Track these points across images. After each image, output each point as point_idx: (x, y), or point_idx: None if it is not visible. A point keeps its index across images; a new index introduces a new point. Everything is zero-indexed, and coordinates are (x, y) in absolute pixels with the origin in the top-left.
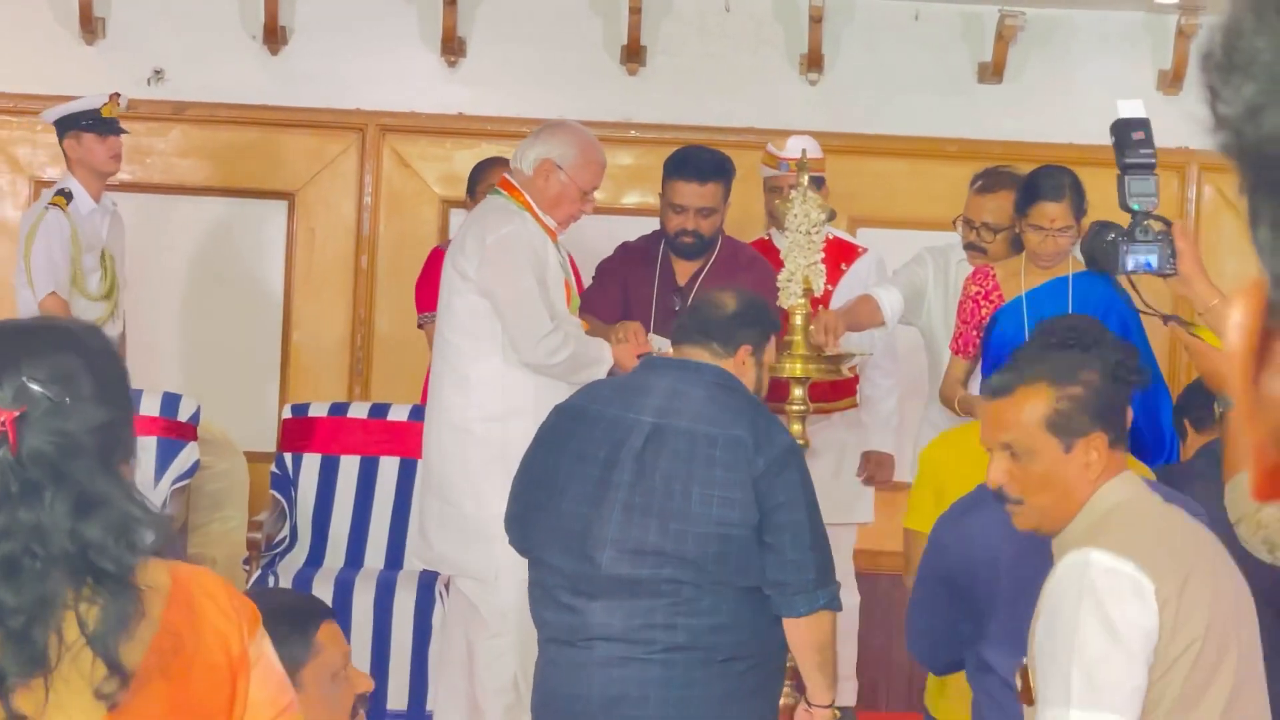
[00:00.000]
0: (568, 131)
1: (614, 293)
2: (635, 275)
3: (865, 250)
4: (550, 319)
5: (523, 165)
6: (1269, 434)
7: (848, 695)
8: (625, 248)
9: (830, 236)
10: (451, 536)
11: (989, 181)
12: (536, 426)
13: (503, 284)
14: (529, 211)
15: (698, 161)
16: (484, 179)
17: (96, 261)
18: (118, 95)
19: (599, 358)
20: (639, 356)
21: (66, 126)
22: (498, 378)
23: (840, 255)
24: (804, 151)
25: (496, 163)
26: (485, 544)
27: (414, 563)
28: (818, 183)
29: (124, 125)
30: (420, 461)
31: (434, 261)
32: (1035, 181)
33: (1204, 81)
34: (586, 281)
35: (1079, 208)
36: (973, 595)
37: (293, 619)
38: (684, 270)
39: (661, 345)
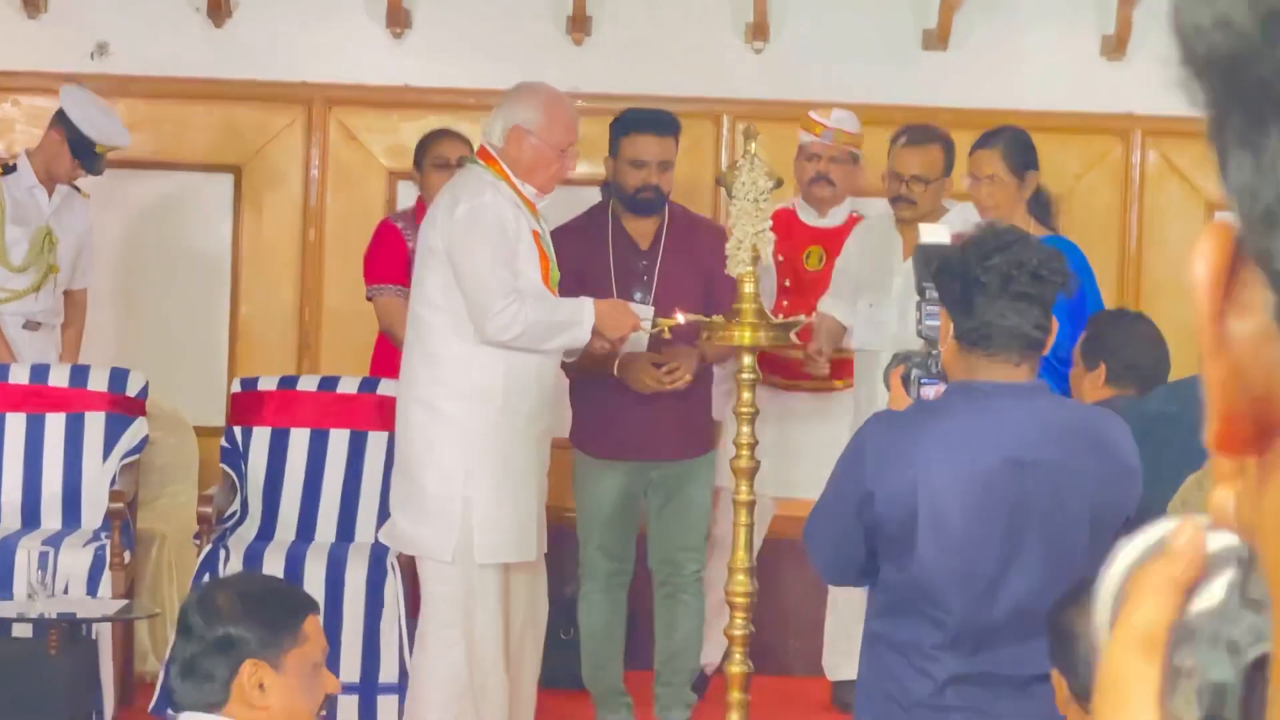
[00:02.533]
0: (530, 93)
1: (565, 275)
2: (584, 250)
3: (862, 218)
4: (508, 294)
5: (493, 138)
6: (1230, 374)
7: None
8: (566, 228)
9: (853, 216)
10: (411, 513)
11: (916, 135)
12: (505, 407)
13: (462, 256)
14: (505, 181)
15: (654, 116)
16: (429, 151)
17: (26, 235)
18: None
19: (574, 319)
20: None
21: (66, 125)
22: (467, 356)
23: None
24: (750, 126)
25: (442, 134)
26: (444, 523)
27: (365, 535)
28: (854, 158)
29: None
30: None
31: (382, 234)
32: (979, 138)
33: (1176, 3)
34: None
35: (1016, 161)
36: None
37: (284, 603)
38: (642, 232)
39: (645, 313)
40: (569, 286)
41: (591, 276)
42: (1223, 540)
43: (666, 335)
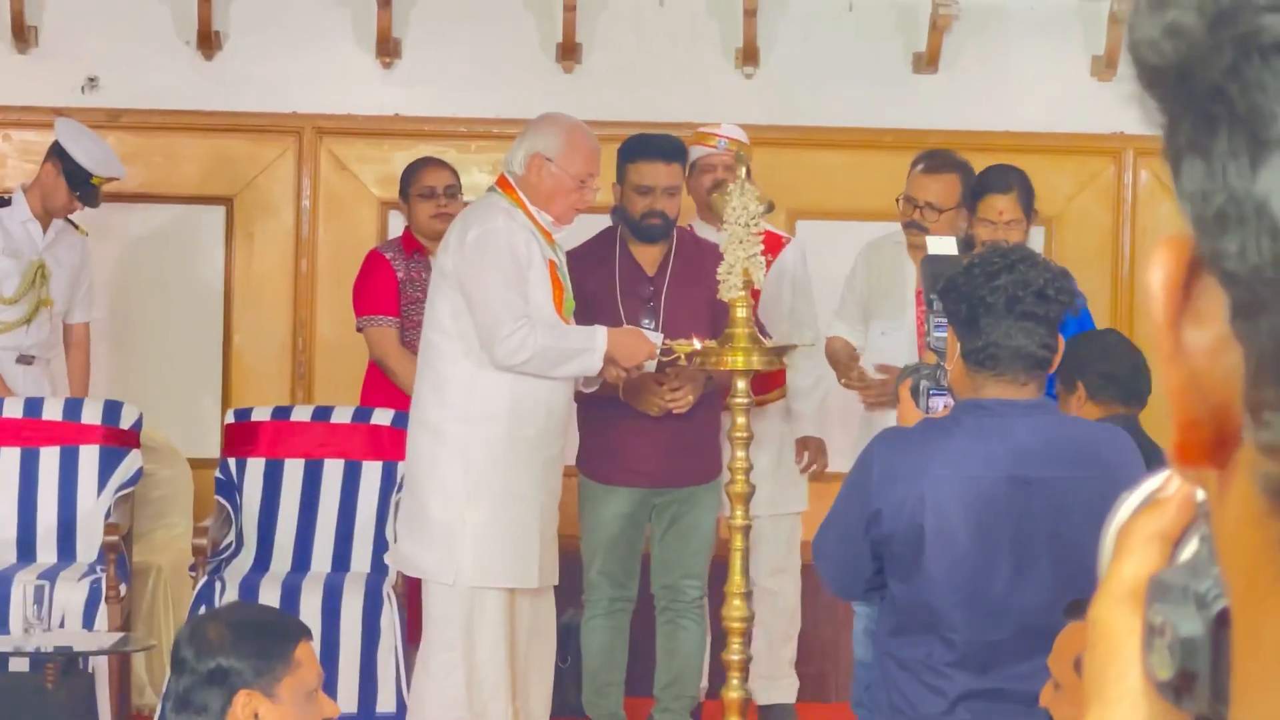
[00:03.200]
0: (552, 122)
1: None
2: (591, 276)
3: (790, 239)
4: (518, 319)
5: (514, 166)
6: (1187, 383)
7: (787, 692)
8: (572, 254)
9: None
10: (415, 536)
11: (934, 162)
12: (509, 432)
13: (472, 280)
14: (522, 209)
15: (660, 142)
16: (414, 180)
17: (17, 268)
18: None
19: (586, 346)
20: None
21: (62, 157)
22: (472, 380)
23: (767, 246)
24: (740, 151)
25: (426, 163)
26: (447, 546)
27: (361, 565)
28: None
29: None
30: None
31: (370, 265)
32: (984, 177)
33: (1130, 22)
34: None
35: (1027, 203)
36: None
37: (276, 632)
38: (649, 259)
39: (654, 339)
40: (577, 311)
41: (598, 302)
42: None
43: (683, 362)
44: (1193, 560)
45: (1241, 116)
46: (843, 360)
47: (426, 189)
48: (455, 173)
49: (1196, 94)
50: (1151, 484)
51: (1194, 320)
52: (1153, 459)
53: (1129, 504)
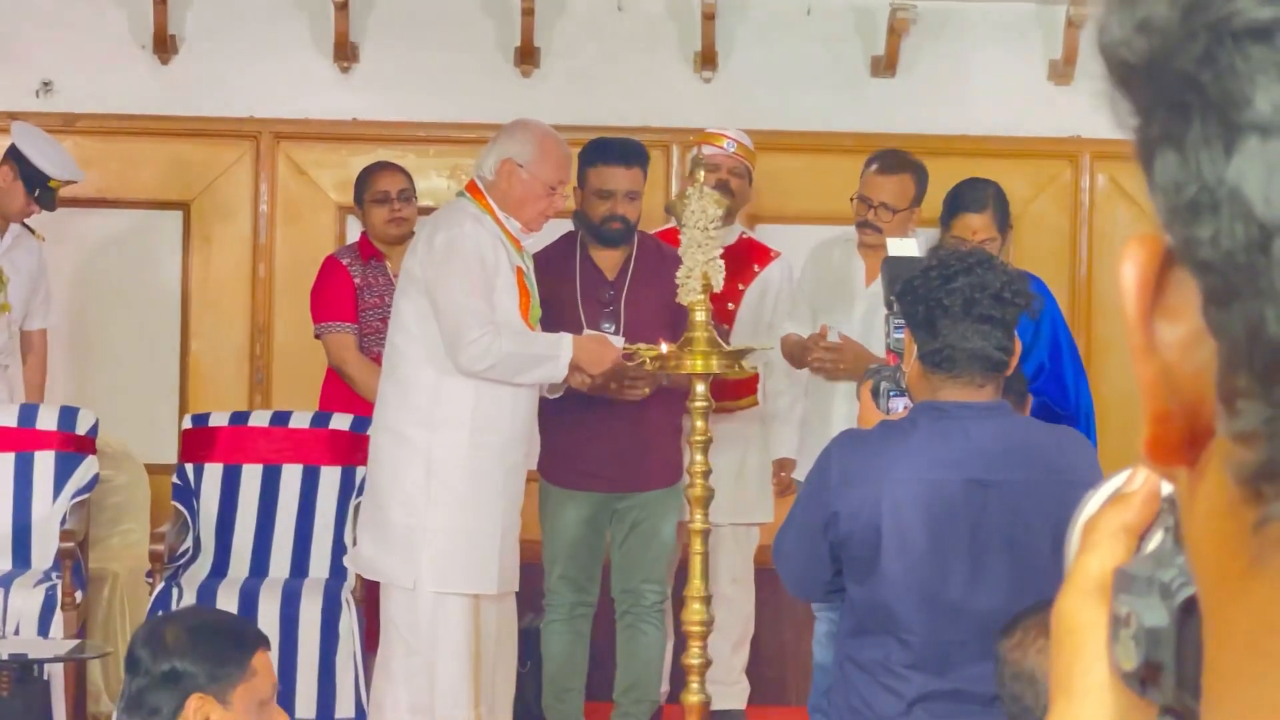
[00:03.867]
0: (524, 129)
1: None
2: (552, 280)
3: (778, 254)
4: (484, 325)
5: (485, 171)
6: (1159, 377)
7: (738, 698)
8: (534, 258)
9: (743, 236)
10: (376, 539)
11: (889, 162)
12: (472, 439)
13: (439, 285)
14: (490, 215)
15: (620, 146)
16: (368, 185)
17: None
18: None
19: (551, 353)
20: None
21: (18, 161)
22: (436, 385)
23: (753, 257)
24: (699, 153)
25: (380, 168)
26: (407, 551)
27: (319, 570)
28: (749, 174)
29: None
30: None
31: (327, 271)
32: (959, 193)
33: (1100, 24)
34: None
35: (1002, 219)
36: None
37: (233, 638)
38: (610, 263)
39: (617, 342)
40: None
41: (558, 306)
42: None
43: (648, 366)
44: (1157, 551)
45: (1214, 103)
46: (801, 344)
47: (381, 194)
48: (409, 177)
49: (1169, 86)
50: (1117, 480)
51: (1166, 315)
52: None
53: (1095, 499)
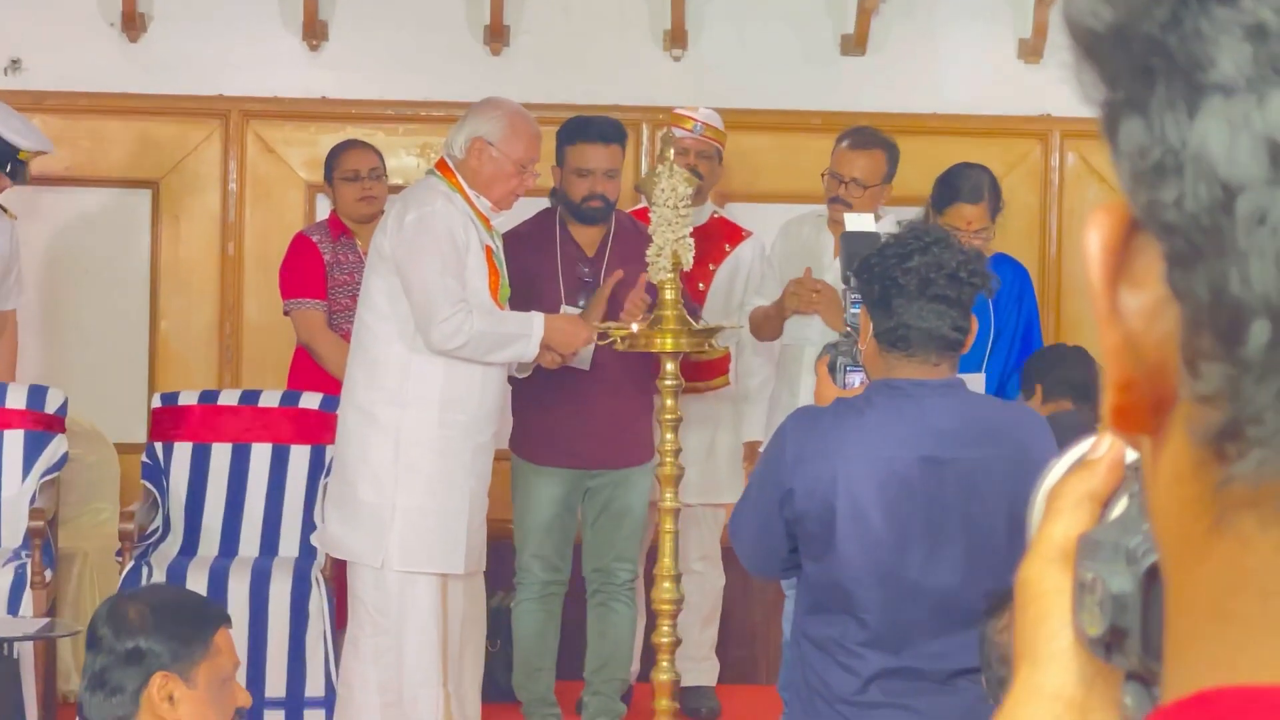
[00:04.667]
0: (494, 107)
1: (512, 281)
2: (531, 257)
3: (750, 234)
4: (455, 303)
5: (454, 150)
6: (1123, 344)
7: (708, 675)
8: (514, 234)
9: (715, 216)
10: (344, 518)
11: (860, 139)
12: (441, 417)
13: (410, 263)
14: (460, 193)
15: (599, 125)
16: (338, 163)
17: None
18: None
19: (523, 332)
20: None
21: None
22: (405, 364)
23: (725, 236)
24: (669, 132)
25: (350, 145)
26: (375, 530)
27: (289, 549)
28: (719, 155)
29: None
30: None
31: (297, 248)
32: (953, 183)
33: None
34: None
35: (995, 208)
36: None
37: (194, 617)
38: (589, 240)
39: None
40: (517, 292)
41: (537, 283)
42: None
43: (619, 346)
44: (1122, 518)
45: (1179, 66)
46: (769, 312)
47: (350, 172)
48: (380, 155)
49: (1134, 51)
50: (1080, 447)
51: (1130, 283)
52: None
53: (1058, 467)
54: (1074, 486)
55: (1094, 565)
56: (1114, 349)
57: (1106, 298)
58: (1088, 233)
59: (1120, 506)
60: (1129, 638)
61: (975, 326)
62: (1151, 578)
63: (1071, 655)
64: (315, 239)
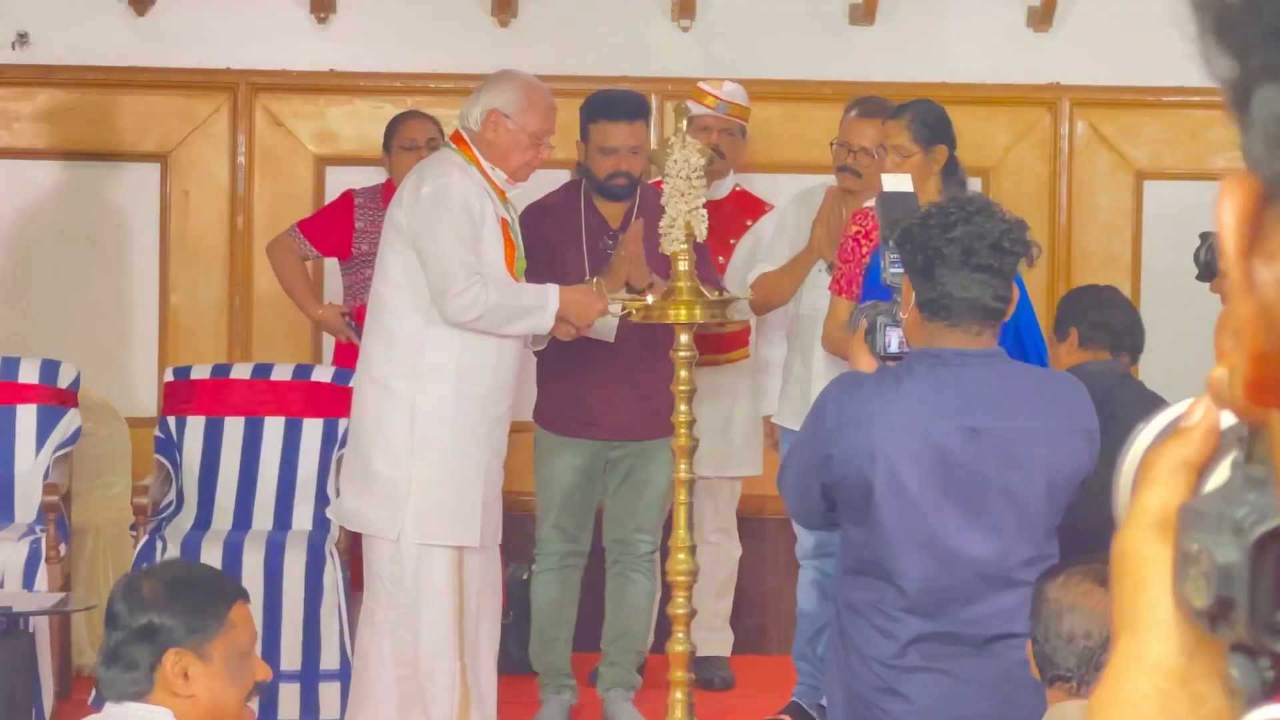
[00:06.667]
0: (509, 79)
1: (536, 253)
2: (556, 228)
3: (771, 207)
4: (471, 275)
5: (470, 122)
6: (1257, 315)
7: (722, 646)
8: (539, 206)
9: (736, 189)
10: (360, 491)
11: (868, 107)
12: (457, 389)
13: (426, 235)
14: (476, 165)
15: (624, 101)
16: (397, 132)
17: None
18: None
19: (538, 304)
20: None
21: None
22: (421, 336)
23: (745, 211)
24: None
25: (410, 115)
26: (391, 503)
27: (303, 523)
28: (742, 131)
29: None
30: None
31: (338, 201)
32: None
33: None
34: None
35: (925, 134)
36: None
37: (210, 591)
38: (613, 213)
39: (613, 307)
40: (541, 264)
41: (563, 255)
42: (1233, 418)
43: (635, 318)
44: (1225, 488)
45: None
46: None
47: (409, 141)
48: (439, 125)
49: (1269, 19)
50: (1169, 413)
51: (1265, 255)
52: (1149, 408)
53: (1147, 434)
54: (1169, 454)
55: (1199, 536)
56: (1248, 321)
57: (1241, 269)
58: (1220, 202)
59: (1220, 475)
60: (1235, 609)
61: (1016, 295)
62: (1259, 549)
63: (1172, 625)
64: (358, 201)
